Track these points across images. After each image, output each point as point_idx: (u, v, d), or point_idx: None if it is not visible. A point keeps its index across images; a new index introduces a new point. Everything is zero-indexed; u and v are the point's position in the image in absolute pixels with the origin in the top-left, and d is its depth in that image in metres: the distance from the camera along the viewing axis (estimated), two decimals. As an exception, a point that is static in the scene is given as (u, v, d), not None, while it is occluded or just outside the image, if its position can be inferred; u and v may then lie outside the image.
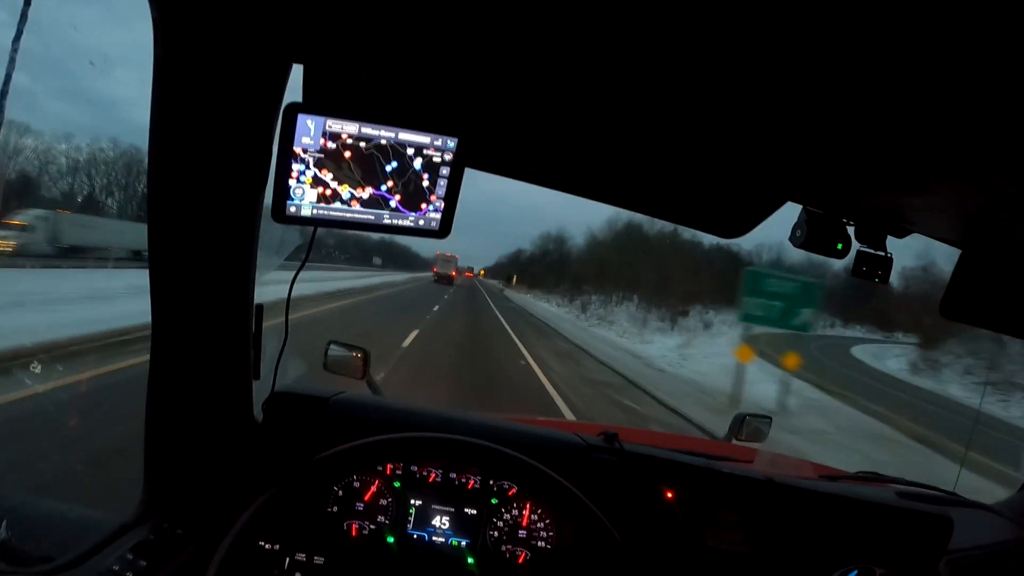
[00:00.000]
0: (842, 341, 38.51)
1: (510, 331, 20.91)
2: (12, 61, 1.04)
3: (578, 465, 1.53)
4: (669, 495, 1.56)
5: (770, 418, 2.34)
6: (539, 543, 1.51)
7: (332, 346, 2.12)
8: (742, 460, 1.84)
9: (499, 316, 24.71)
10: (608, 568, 1.26)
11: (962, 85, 0.80)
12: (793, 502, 1.62)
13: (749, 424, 2.28)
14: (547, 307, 44.64)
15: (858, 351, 34.85)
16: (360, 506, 1.48)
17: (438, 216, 1.21)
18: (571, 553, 1.49)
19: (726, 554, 1.56)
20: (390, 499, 1.49)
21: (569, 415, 9.15)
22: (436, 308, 24.40)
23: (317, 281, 25.39)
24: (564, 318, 33.32)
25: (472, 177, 1.39)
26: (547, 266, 60.66)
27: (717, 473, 1.63)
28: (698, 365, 19.91)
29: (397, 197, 1.17)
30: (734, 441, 2.27)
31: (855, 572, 1.54)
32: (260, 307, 1.35)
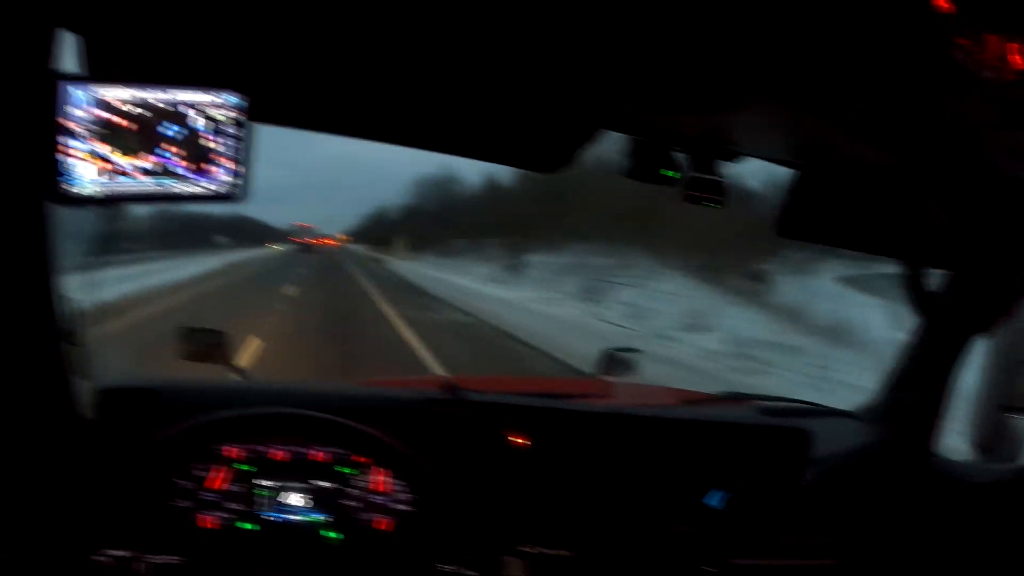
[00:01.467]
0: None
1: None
2: None
3: (421, 423, 1.62)
4: (519, 441, 1.67)
5: (638, 351, 2.49)
6: (400, 507, 1.57)
7: (186, 332, 2.12)
8: (602, 396, 1.98)
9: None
10: (461, 524, 1.36)
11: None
12: (652, 432, 1.75)
13: (616, 358, 2.42)
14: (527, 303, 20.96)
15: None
16: (210, 496, 1.50)
17: (231, 179, 1.25)
18: (433, 513, 1.56)
19: (587, 492, 1.69)
20: (240, 484, 1.52)
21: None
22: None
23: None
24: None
25: (321, 142, 1.34)
26: (434, 220, 50.65)
27: (566, 412, 1.74)
28: None
29: (183, 163, 1.19)
30: (602, 377, 2.39)
31: (720, 494, 1.72)
32: (73, 301, 1.34)
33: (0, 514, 1.34)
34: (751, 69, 1.11)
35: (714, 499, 1.73)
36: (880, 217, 1.60)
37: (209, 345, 2.11)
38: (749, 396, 2.27)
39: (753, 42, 1.01)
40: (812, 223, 1.64)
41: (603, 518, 1.70)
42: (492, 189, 39.31)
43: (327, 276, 30.71)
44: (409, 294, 23.28)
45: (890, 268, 1.81)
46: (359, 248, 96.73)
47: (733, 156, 1.65)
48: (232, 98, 1.20)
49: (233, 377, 2.12)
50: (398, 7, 1.05)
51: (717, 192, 1.65)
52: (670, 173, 1.60)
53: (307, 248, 74.48)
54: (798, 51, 1.01)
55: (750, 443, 1.80)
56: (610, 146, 1.65)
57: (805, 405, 2.26)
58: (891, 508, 1.94)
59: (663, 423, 1.79)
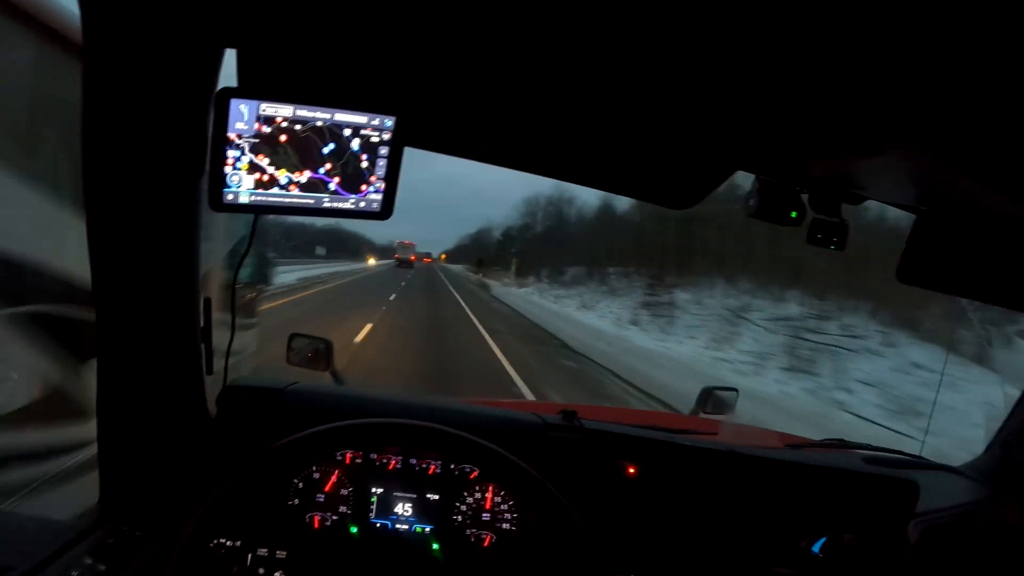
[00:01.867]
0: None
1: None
2: None
3: (536, 445, 1.67)
4: (631, 470, 1.71)
5: (736, 390, 2.55)
6: (504, 525, 1.65)
7: (295, 339, 2.31)
8: (706, 433, 2.00)
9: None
10: (569, 547, 1.40)
11: (906, 50, 0.90)
12: (758, 472, 1.76)
13: (715, 397, 2.51)
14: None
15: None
16: (321, 497, 1.60)
17: (379, 197, 1.34)
18: (536, 534, 1.63)
19: (691, 526, 1.72)
20: (351, 489, 1.61)
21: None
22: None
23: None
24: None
25: (424, 160, 1.52)
26: (546, 242, 45.51)
27: (678, 447, 1.76)
28: None
29: (336, 179, 1.29)
30: (700, 414, 2.47)
31: (823, 539, 1.72)
32: (208, 300, 1.44)
33: (127, 499, 1.48)
34: (890, 116, 1.13)
35: (816, 544, 1.73)
36: (1012, 266, 1.59)
37: (316, 351, 2.29)
38: (852, 444, 2.26)
39: (893, 90, 1.04)
40: (936, 269, 1.63)
41: (705, 552, 1.72)
42: (614, 210, 33.71)
43: (427, 306, 26.91)
44: (541, 347, 17.14)
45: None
46: (458, 268, 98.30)
47: (858, 199, 1.67)
48: (388, 121, 1.30)
49: (331, 380, 2.28)
50: (547, 45, 1.11)
51: (841, 235, 1.69)
52: (794, 215, 1.64)
53: (407, 264, 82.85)
54: (937, 100, 1.03)
55: (856, 490, 1.79)
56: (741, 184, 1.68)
57: (908, 457, 2.26)
58: (993, 567, 1.92)
59: (770, 464, 1.79)
